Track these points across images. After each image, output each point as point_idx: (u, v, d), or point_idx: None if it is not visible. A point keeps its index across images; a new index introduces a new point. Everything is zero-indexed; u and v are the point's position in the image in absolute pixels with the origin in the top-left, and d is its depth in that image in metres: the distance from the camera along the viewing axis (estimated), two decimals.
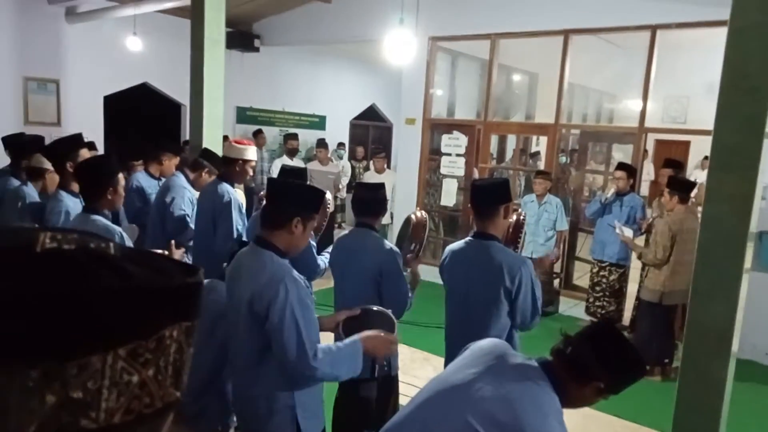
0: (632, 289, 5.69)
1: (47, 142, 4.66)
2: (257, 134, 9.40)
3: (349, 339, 2.09)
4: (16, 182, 3.68)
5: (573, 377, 1.54)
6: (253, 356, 2.07)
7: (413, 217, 3.34)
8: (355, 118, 12.25)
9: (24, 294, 0.38)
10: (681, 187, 4.76)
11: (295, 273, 2.06)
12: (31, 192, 3.57)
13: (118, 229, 2.78)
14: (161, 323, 0.43)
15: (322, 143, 8.98)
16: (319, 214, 3.67)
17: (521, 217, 3.01)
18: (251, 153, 3.84)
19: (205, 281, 2.81)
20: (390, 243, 2.98)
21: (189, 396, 2.54)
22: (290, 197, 2.13)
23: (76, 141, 3.35)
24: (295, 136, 8.81)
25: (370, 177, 7.87)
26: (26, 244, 0.41)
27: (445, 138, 7.38)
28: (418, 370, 4.61)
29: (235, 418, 2.55)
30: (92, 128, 7.70)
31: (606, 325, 1.63)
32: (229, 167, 3.79)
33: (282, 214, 2.08)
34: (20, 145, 3.90)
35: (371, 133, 13.15)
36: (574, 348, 1.57)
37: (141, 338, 0.42)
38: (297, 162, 8.29)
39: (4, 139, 4.29)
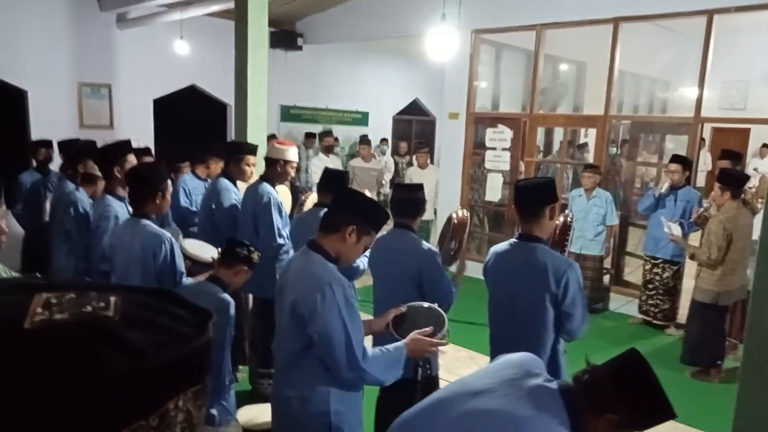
0: (688, 285, 5.45)
1: (100, 145, 4.85)
2: (310, 137, 9.37)
3: (394, 344, 2.11)
4: (71, 186, 3.83)
5: (588, 406, 1.47)
6: (292, 358, 2.09)
7: (454, 216, 3.30)
8: (398, 113, 12.21)
9: (5, 389, 0.35)
10: (734, 181, 4.47)
11: (340, 275, 2.06)
12: (83, 197, 3.69)
13: (167, 234, 2.84)
14: (165, 398, 0.40)
15: (364, 140, 8.97)
16: None
17: (569, 219, 2.91)
18: (292, 154, 3.87)
19: (195, 282, 2.81)
20: (428, 243, 2.94)
21: None
22: (350, 205, 2.12)
23: (123, 147, 3.44)
24: (329, 133, 8.80)
25: (413, 172, 7.82)
26: (14, 320, 0.38)
27: (489, 132, 7.25)
28: (463, 369, 4.56)
29: (215, 411, 2.64)
30: (143, 131, 7.97)
31: (634, 357, 1.52)
32: (271, 168, 3.84)
33: (338, 220, 2.08)
34: (75, 150, 4.06)
35: (414, 128, 13.09)
36: (591, 376, 1.50)
37: (141, 418, 0.39)
38: (334, 159, 8.29)
39: (60, 144, 4.48)
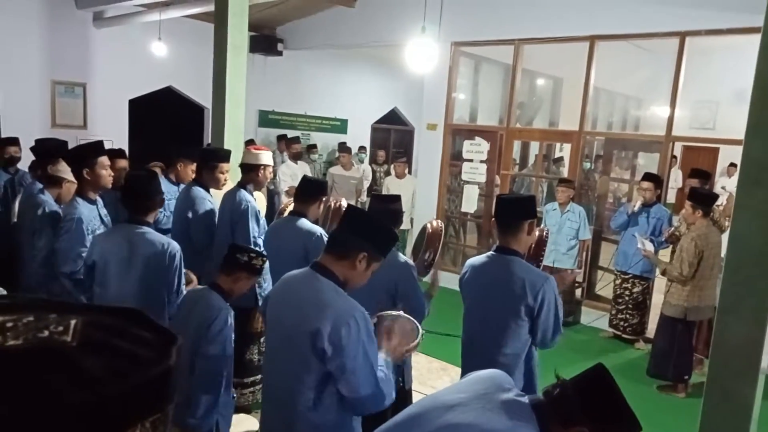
0: (657, 300, 5.55)
1: (75, 144, 4.74)
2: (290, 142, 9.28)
3: (383, 360, 2.00)
4: (38, 187, 3.73)
5: (558, 420, 1.51)
6: (309, 394, 1.91)
7: (429, 226, 3.31)
8: (377, 122, 12.24)
9: None
10: (705, 200, 4.60)
11: (359, 306, 1.94)
12: (48, 200, 3.59)
13: (175, 244, 2.79)
14: (120, 429, 0.38)
15: (345, 148, 8.95)
16: (334, 217, 3.68)
17: (544, 234, 2.95)
18: (269, 158, 3.90)
19: (196, 289, 2.75)
20: (404, 255, 2.95)
21: (191, 410, 2.52)
22: (364, 230, 2.00)
23: (95, 148, 3.34)
24: (297, 140, 8.75)
25: (391, 182, 7.84)
26: None
27: (466, 144, 7.31)
28: (435, 380, 4.57)
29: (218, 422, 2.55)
30: (117, 131, 7.84)
31: (600, 372, 1.57)
32: (250, 174, 3.82)
33: (350, 245, 1.96)
34: (46, 151, 3.95)
35: (392, 137, 13.13)
36: (561, 390, 1.54)
37: None
38: (302, 165, 8.25)
39: (36, 142, 4.35)
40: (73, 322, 0.41)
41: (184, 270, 2.93)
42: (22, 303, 0.42)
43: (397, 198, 3.06)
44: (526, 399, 1.57)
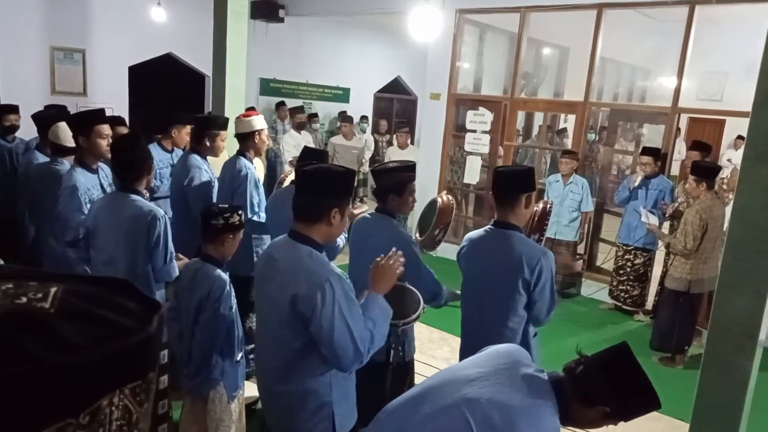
0: (657, 272, 5.57)
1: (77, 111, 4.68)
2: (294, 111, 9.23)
3: (367, 300, 2.05)
4: (41, 157, 3.68)
5: (579, 398, 1.51)
6: (293, 355, 2.01)
7: (440, 200, 3.24)
8: (380, 91, 12.10)
9: None
10: (707, 173, 4.59)
11: (336, 268, 2.00)
12: (65, 169, 3.54)
13: (161, 211, 2.78)
14: (96, 395, 0.38)
15: (346, 117, 8.87)
16: None
17: (548, 206, 2.91)
18: (261, 121, 3.88)
19: (191, 262, 2.75)
20: (405, 231, 2.90)
21: (189, 372, 2.57)
22: (325, 188, 2.02)
23: (93, 116, 3.24)
24: (301, 109, 8.66)
25: (393, 152, 7.79)
26: None
27: (470, 114, 7.23)
28: (435, 350, 4.61)
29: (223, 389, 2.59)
30: (118, 99, 7.76)
31: (623, 351, 1.56)
32: (246, 142, 3.81)
33: (319, 208, 1.99)
34: (43, 120, 3.88)
35: (395, 107, 12.99)
36: (584, 369, 1.53)
37: (69, 416, 0.37)
38: (306, 135, 8.19)
39: (34, 115, 4.28)
40: (53, 290, 0.41)
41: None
42: (2, 271, 0.42)
43: (399, 168, 2.95)
44: (545, 375, 1.57)
